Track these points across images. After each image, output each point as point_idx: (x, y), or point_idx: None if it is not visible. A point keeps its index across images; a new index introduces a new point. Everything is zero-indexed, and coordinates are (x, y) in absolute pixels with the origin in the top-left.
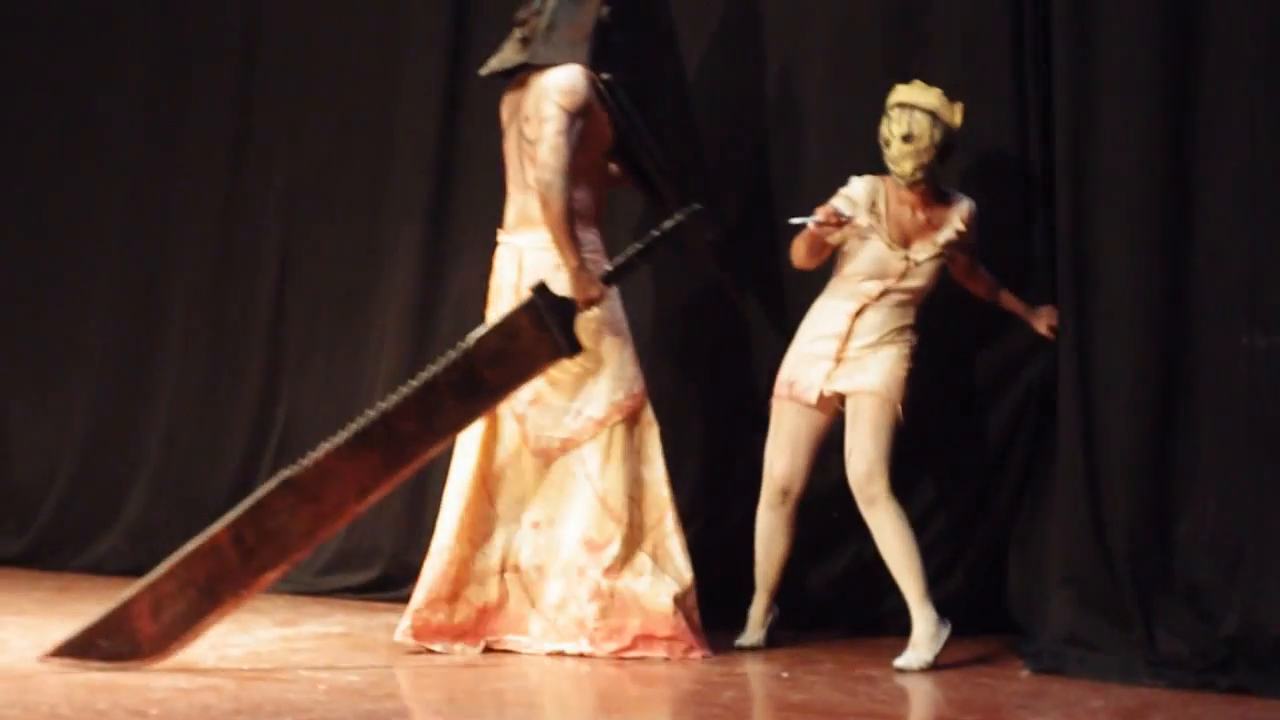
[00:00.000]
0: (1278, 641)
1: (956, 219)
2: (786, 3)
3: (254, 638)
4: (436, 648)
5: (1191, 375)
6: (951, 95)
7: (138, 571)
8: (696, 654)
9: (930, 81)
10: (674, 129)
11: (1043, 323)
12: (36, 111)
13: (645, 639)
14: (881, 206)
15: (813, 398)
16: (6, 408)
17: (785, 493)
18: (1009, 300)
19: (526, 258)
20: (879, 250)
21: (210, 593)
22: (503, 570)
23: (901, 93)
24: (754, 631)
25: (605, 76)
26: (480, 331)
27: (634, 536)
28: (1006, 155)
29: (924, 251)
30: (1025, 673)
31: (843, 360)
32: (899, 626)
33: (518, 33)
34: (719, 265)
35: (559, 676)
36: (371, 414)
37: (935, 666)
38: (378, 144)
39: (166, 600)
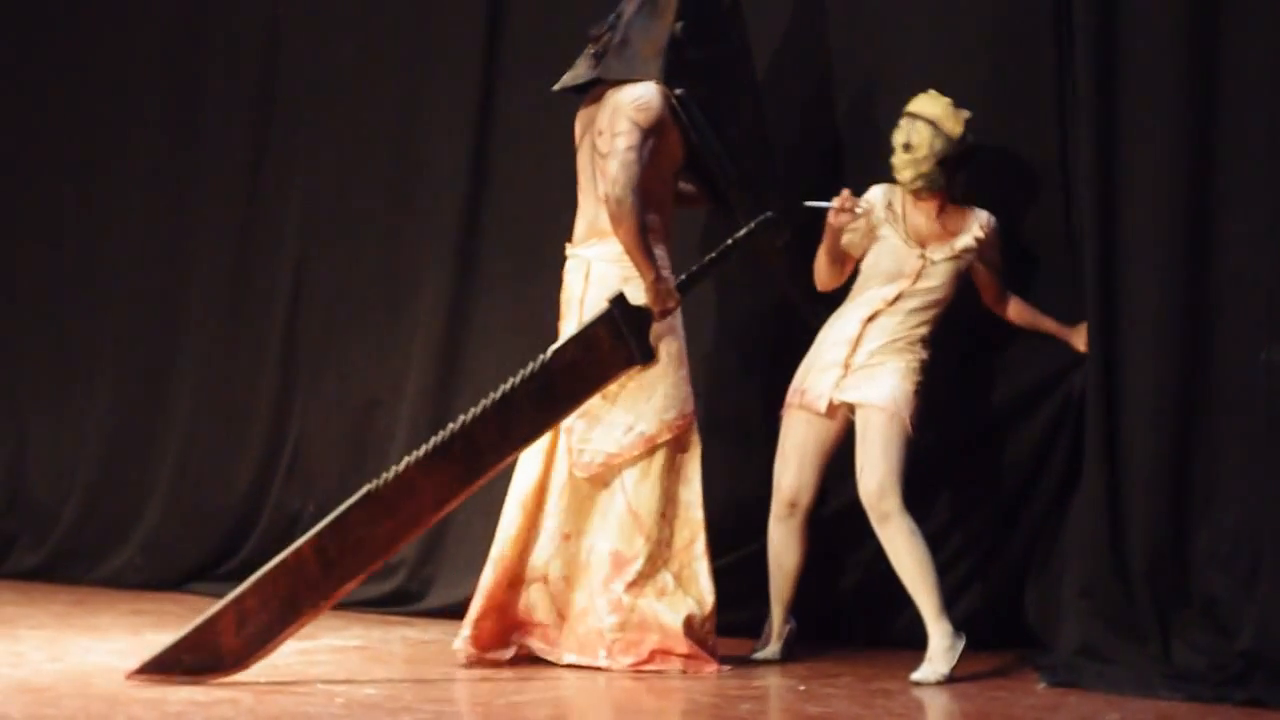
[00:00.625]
0: None
1: (976, 227)
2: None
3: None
4: (490, 655)
5: (1210, 390)
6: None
7: (154, 585)
8: (711, 669)
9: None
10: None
11: (1081, 339)
12: (55, 127)
13: (662, 654)
14: (898, 208)
15: (822, 406)
16: (25, 423)
17: (793, 505)
18: (1045, 322)
19: (594, 269)
20: (895, 247)
21: (292, 605)
22: (533, 581)
23: (912, 102)
24: (771, 645)
25: (678, 92)
26: (558, 343)
27: (661, 554)
28: (1043, 171)
29: (940, 252)
30: (1041, 686)
31: (851, 367)
32: (916, 639)
33: (591, 48)
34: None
35: (577, 689)
36: (452, 426)
37: (951, 680)
38: (398, 164)
39: (250, 614)
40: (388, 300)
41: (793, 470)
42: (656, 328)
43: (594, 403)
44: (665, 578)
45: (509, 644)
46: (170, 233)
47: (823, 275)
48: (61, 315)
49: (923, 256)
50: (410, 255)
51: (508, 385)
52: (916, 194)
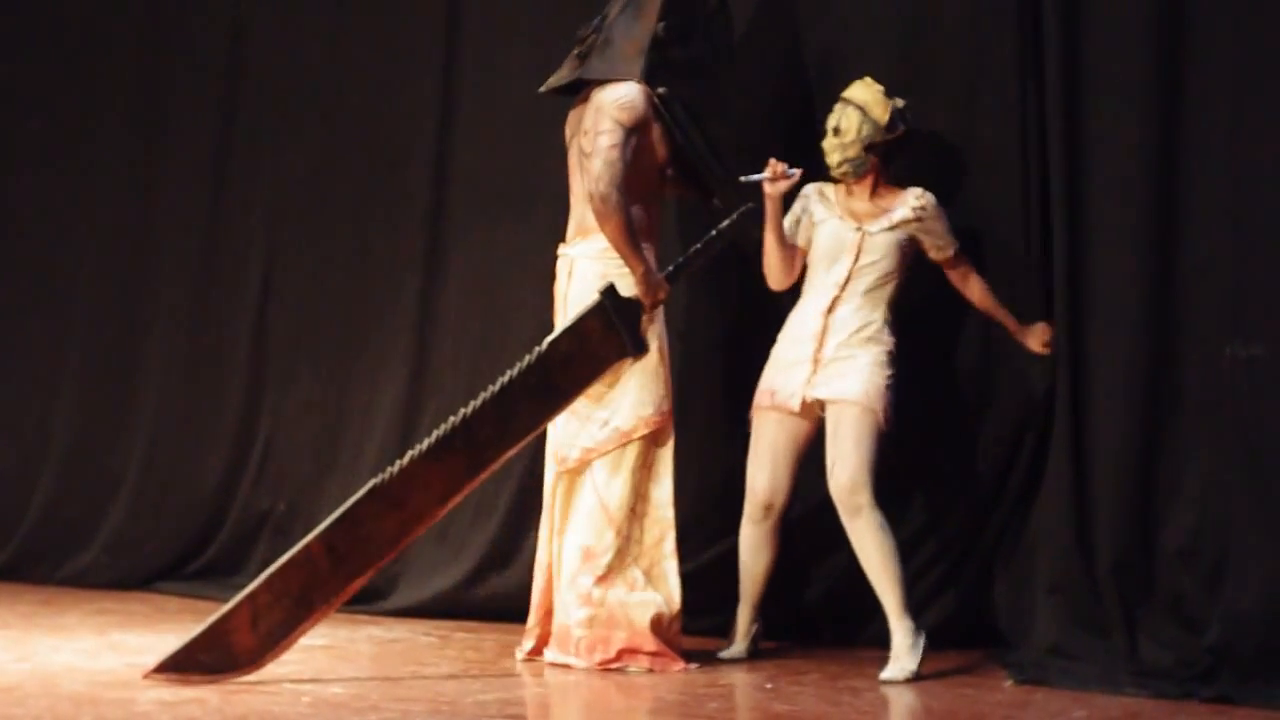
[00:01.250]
0: (1260, 651)
1: (911, 199)
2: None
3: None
4: (547, 656)
5: (1176, 387)
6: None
7: (120, 584)
8: (679, 667)
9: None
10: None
11: (1036, 340)
12: (19, 127)
13: (630, 652)
14: (832, 195)
15: (795, 405)
16: None
17: (768, 507)
18: (1004, 317)
19: (576, 266)
20: (834, 228)
21: (304, 602)
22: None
23: (848, 88)
24: (737, 644)
25: (661, 91)
26: (552, 336)
27: (631, 550)
28: (1009, 168)
29: (877, 225)
30: (1009, 683)
31: (820, 362)
32: (885, 640)
33: (576, 49)
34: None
35: (544, 687)
36: (453, 420)
37: (919, 676)
38: (364, 162)
39: (264, 611)
40: (357, 298)
41: (767, 472)
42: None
43: (580, 400)
44: (635, 573)
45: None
46: (136, 230)
47: (774, 266)
48: (27, 314)
49: (859, 229)
50: (378, 254)
51: (505, 378)
52: (845, 180)
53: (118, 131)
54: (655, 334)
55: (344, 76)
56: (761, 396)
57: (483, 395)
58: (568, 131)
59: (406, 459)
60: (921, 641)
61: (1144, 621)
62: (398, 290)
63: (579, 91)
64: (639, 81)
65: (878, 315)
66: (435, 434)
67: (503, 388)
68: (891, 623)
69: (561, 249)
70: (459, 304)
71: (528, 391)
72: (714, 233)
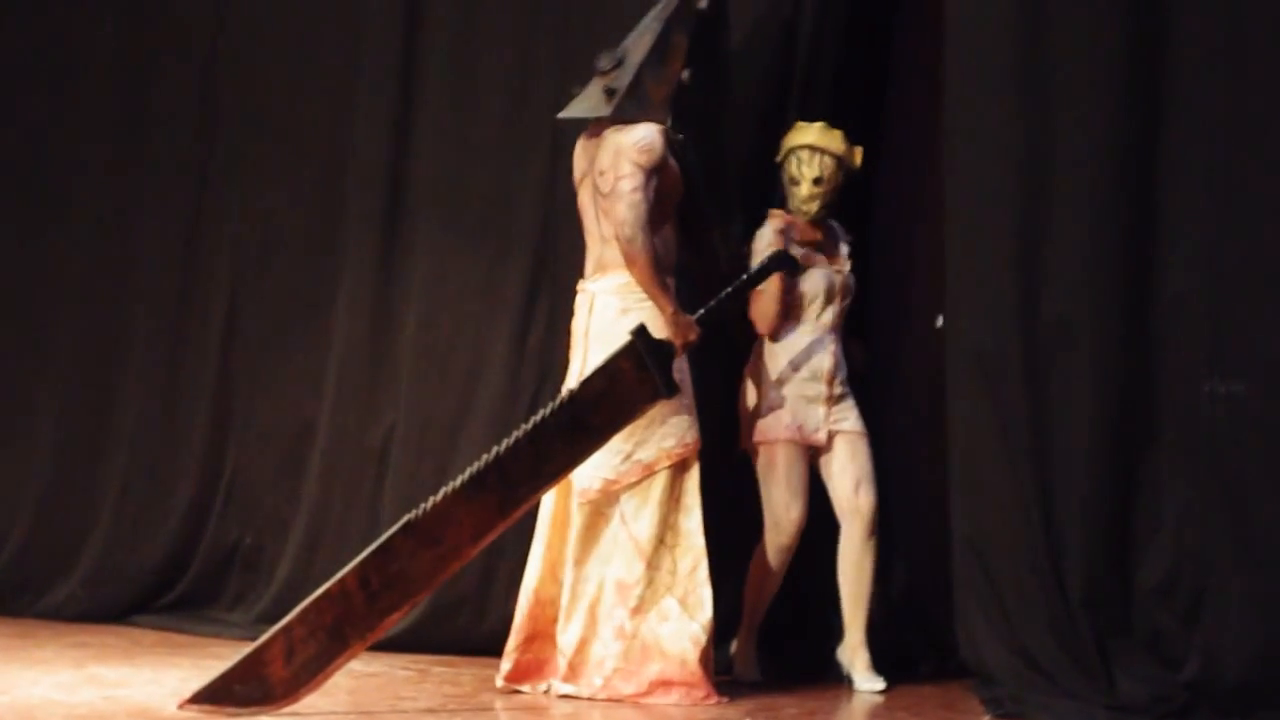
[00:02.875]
0: (1237, 687)
1: (841, 234)
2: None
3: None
4: (526, 688)
5: (1152, 422)
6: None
7: (96, 618)
8: (712, 700)
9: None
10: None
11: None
12: None
13: (663, 684)
14: (795, 235)
15: (823, 438)
16: None
17: (800, 534)
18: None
19: (597, 301)
20: (819, 271)
21: (339, 635)
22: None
23: (810, 134)
24: (753, 668)
25: (680, 137)
26: (585, 376)
27: (664, 581)
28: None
29: (846, 265)
30: (986, 717)
31: (832, 398)
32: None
33: (601, 82)
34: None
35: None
36: (486, 458)
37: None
38: (327, 189)
39: (298, 644)
40: (317, 327)
41: (801, 500)
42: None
43: None
44: (670, 604)
45: (551, 674)
46: (110, 267)
47: (771, 319)
48: (1, 350)
49: (839, 272)
50: (336, 282)
51: (538, 417)
52: (812, 221)
53: (95, 170)
54: (678, 366)
55: (310, 99)
56: (787, 431)
57: (515, 433)
58: (579, 165)
59: (440, 495)
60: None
61: (1121, 657)
62: (355, 320)
63: (589, 123)
64: (663, 125)
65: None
66: (469, 471)
67: (535, 426)
68: (860, 650)
69: (581, 284)
70: (417, 330)
71: (560, 430)
72: (745, 277)
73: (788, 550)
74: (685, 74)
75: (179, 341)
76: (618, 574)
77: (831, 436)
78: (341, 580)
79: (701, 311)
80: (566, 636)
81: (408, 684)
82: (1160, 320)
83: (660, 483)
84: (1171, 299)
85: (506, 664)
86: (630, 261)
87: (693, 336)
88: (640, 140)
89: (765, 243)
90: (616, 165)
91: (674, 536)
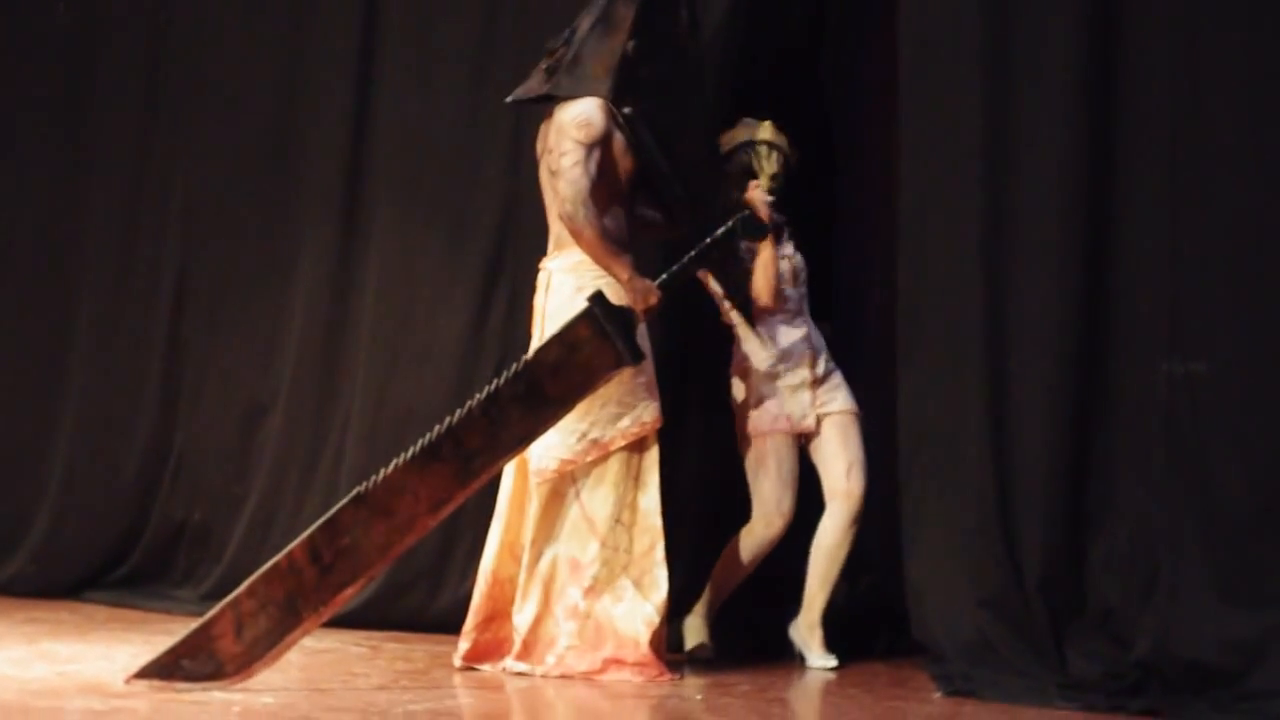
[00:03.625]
0: (1189, 665)
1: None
2: None
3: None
4: (485, 667)
5: (1108, 401)
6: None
7: (47, 593)
8: (665, 678)
9: None
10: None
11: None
12: None
13: (616, 662)
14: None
15: (812, 424)
16: None
17: (788, 527)
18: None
19: (553, 279)
20: (775, 256)
21: (291, 610)
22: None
23: (767, 131)
24: (708, 647)
25: (625, 110)
26: (540, 343)
27: (619, 561)
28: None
29: (790, 246)
30: (937, 695)
31: (818, 382)
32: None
33: (545, 63)
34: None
35: (476, 696)
36: (439, 428)
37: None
38: (279, 164)
39: (248, 619)
40: (269, 304)
41: (792, 492)
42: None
43: None
44: (624, 584)
45: (508, 652)
46: (56, 241)
47: (769, 292)
48: None
49: (787, 258)
50: (289, 259)
51: (492, 386)
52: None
53: (39, 141)
54: (640, 339)
55: (260, 81)
56: (776, 422)
57: (470, 403)
58: (538, 146)
59: (391, 466)
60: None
61: (1073, 635)
62: (312, 298)
63: (548, 104)
64: (605, 99)
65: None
66: (422, 441)
67: (490, 396)
68: (816, 629)
69: (542, 263)
70: (374, 309)
71: (517, 400)
72: (709, 240)
73: (773, 543)
74: (629, 45)
75: (124, 318)
76: (571, 553)
77: (820, 420)
78: (290, 554)
79: (664, 276)
80: (522, 615)
81: (360, 660)
82: (1117, 300)
83: (617, 462)
84: (1128, 278)
85: (465, 643)
86: (575, 235)
87: (654, 300)
88: (578, 115)
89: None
90: (559, 143)
91: (631, 515)
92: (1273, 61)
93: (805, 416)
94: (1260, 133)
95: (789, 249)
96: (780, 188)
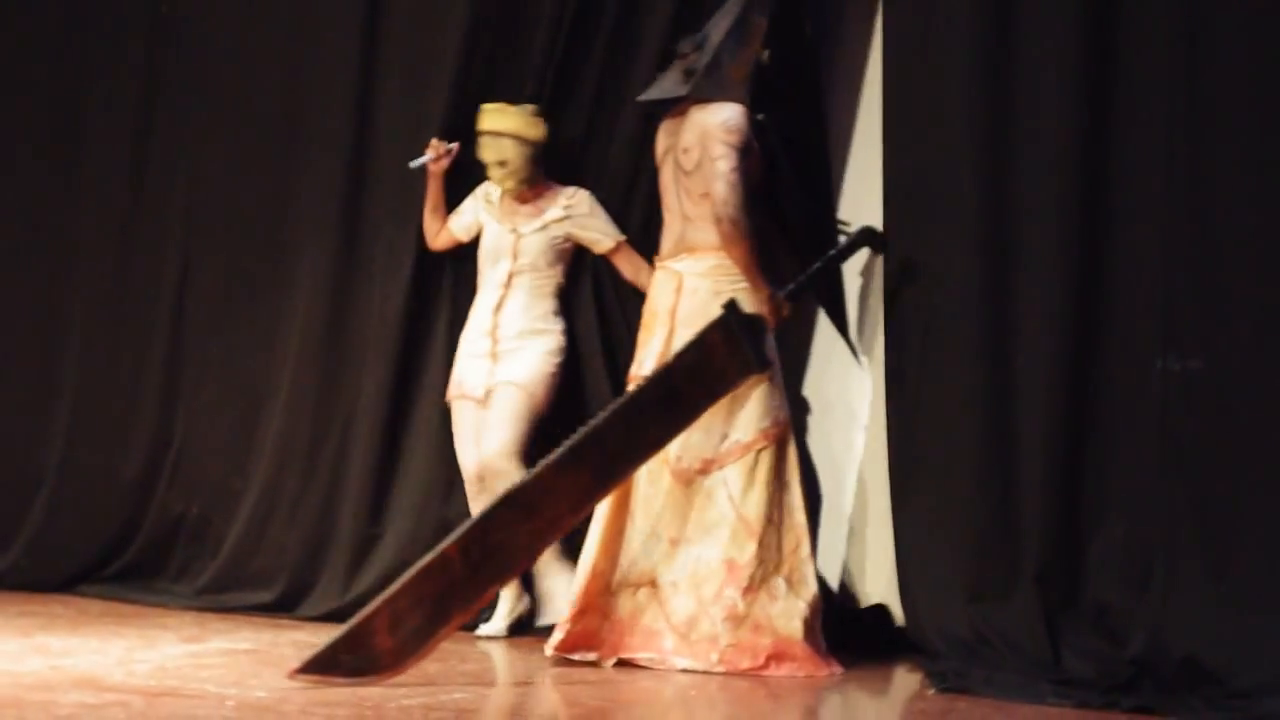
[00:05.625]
0: (1183, 663)
1: (563, 199)
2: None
3: (161, 654)
4: (576, 656)
5: (1104, 399)
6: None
7: (40, 587)
8: (826, 671)
9: None
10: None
11: None
12: None
13: (777, 658)
14: (495, 199)
15: (480, 394)
16: None
17: (481, 479)
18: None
19: (685, 283)
20: (494, 231)
21: (441, 607)
22: (638, 586)
23: (486, 120)
24: (496, 622)
25: (760, 117)
26: (680, 349)
27: (771, 559)
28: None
29: (530, 225)
30: (931, 692)
31: (497, 356)
32: None
33: (680, 65)
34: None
35: (469, 691)
36: (583, 430)
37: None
38: (281, 163)
39: (403, 615)
40: (270, 300)
41: (471, 452)
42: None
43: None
44: (778, 583)
45: (598, 646)
46: (52, 232)
47: (430, 227)
48: None
49: (514, 231)
50: (292, 253)
51: (633, 389)
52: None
53: (33, 136)
54: (768, 344)
55: (262, 75)
56: (453, 387)
57: (612, 405)
58: (660, 145)
59: (539, 468)
60: (521, 608)
61: (1067, 632)
62: (314, 293)
63: (669, 104)
64: (744, 106)
65: (541, 309)
66: (566, 444)
67: (630, 399)
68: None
69: (664, 263)
70: (376, 305)
71: (655, 404)
72: (833, 251)
73: (475, 499)
74: (764, 55)
75: (124, 309)
76: (729, 554)
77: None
78: (443, 552)
79: (791, 288)
80: (676, 614)
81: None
82: (1113, 297)
83: (766, 462)
84: (1125, 276)
85: (559, 634)
86: (730, 241)
87: (785, 313)
88: (727, 120)
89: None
90: (706, 146)
91: (779, 514)
92: (1271, 58)
93: (476, 386)
94: (1258, 128)
95: (527, 224)
96: (520, 167)
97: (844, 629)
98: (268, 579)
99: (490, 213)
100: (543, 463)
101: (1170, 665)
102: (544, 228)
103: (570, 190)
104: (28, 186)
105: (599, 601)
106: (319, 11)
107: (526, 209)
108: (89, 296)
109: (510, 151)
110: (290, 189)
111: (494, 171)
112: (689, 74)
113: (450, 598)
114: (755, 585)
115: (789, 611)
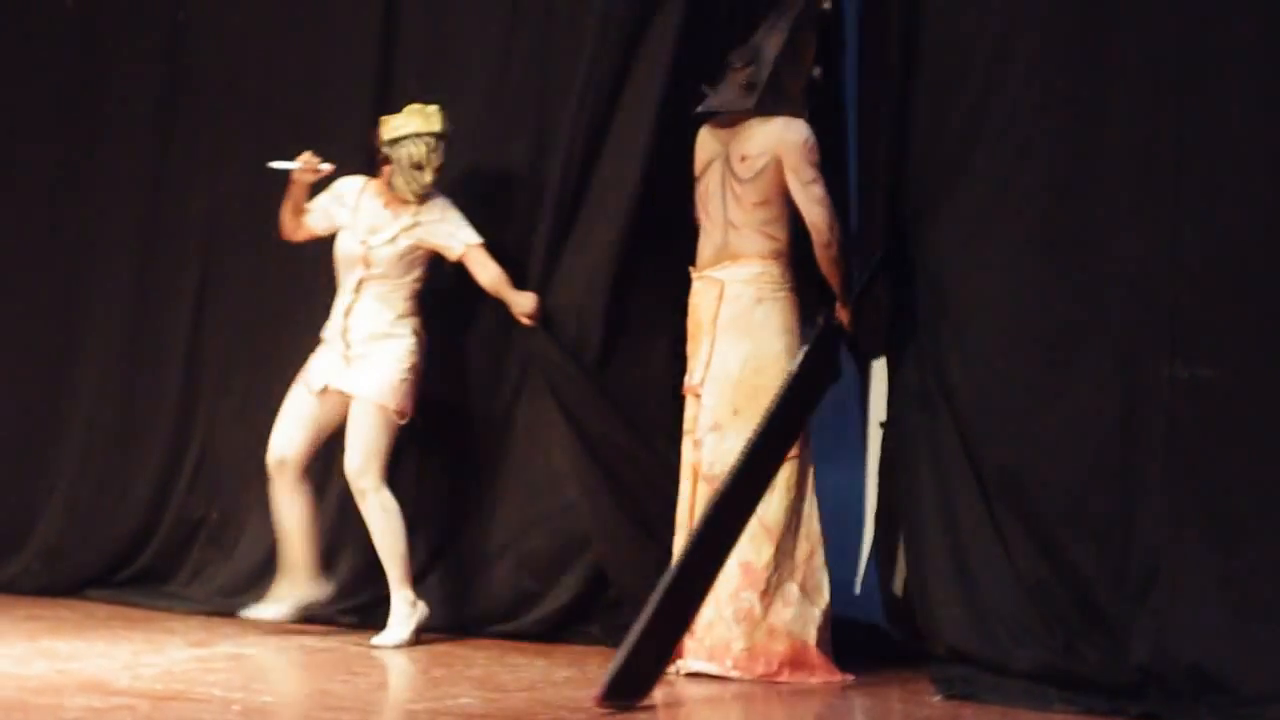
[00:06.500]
0: (1188, 669)
1: (417, 207)
2: None
3: (168, 658)
4: (695, 668)
5: (1109, 405)
6: None
7: (50, 591)
8: (838, 679)
9: None
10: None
11: (520, 309)
12: None
13: (791, 665)
14: (351, 202)
15: (317, 387)
16: None
17: (281, 463)
18: (505, 292)
19: (728, 290)
20: (347, 238)
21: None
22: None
23: (421, 120)
24: (277, 605)
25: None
26: (799, 356)
27: (787, 566)
28: None
29: (379, 237)
30: (936, 698)
31: (348, 359)
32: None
33: (737, 77)
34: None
35: (474, 696)
36: (756, 427)
37: (415, 643)
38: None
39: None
40: (293, 305)
41: (283, 432)
42: (788, 347)
43: (725, 416)
44: (792, 589)
45: (678, 656)
46: (72, 236)
47: (287, 223)
48: None
49: (364, 243)
50: (315, 260)
51: (782, 388)
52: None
53: (53, 138)
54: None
55: (279, 91)
56: (303, 372)
57: (767, 407)
58: (704, 154)
59: (734, 463)
60: (420, 612)
61: (1072, 639)
62: (330, 298)
63: (715, 114)
64: (803, 119)
65: (393, 314)
66: (745, 444)
67: (781, 398)
68: (392, 593)
69: (702, 272)
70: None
71: (790, 405)
72: (878, 257)
73: (272, 480)
74: (817, 71)
75: (144, 312)
76: (745, 556)
77: (338, 394)
78: (688, 558)
79: (857, 292)
80: (700, 620)
81: (360, 660)
82: (1120, 303)
83: (788, 468)
84: (1130, 283)
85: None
86: (828, 250)
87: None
88: (807, 139)
89: (341, 189)
90: (801, 167)
91: (796, 520)
92: (1277, 58)
93: (317, 379)
94: (1266, 132)
95: (376, 235)
96: (438, 168)
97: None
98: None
99: (349, 217)
100: (735, 461)
101: (1176, 673)
102: (393, 240)
103: (434, 200)
104: (46, 191)
105: None
106: (336, 17)
107: (386, 216)
108: (107, 300)
109: (424, 152)
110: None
111: (409, 176)
112: (750, 87)
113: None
114: (770, 590)
115: (803, 617)
